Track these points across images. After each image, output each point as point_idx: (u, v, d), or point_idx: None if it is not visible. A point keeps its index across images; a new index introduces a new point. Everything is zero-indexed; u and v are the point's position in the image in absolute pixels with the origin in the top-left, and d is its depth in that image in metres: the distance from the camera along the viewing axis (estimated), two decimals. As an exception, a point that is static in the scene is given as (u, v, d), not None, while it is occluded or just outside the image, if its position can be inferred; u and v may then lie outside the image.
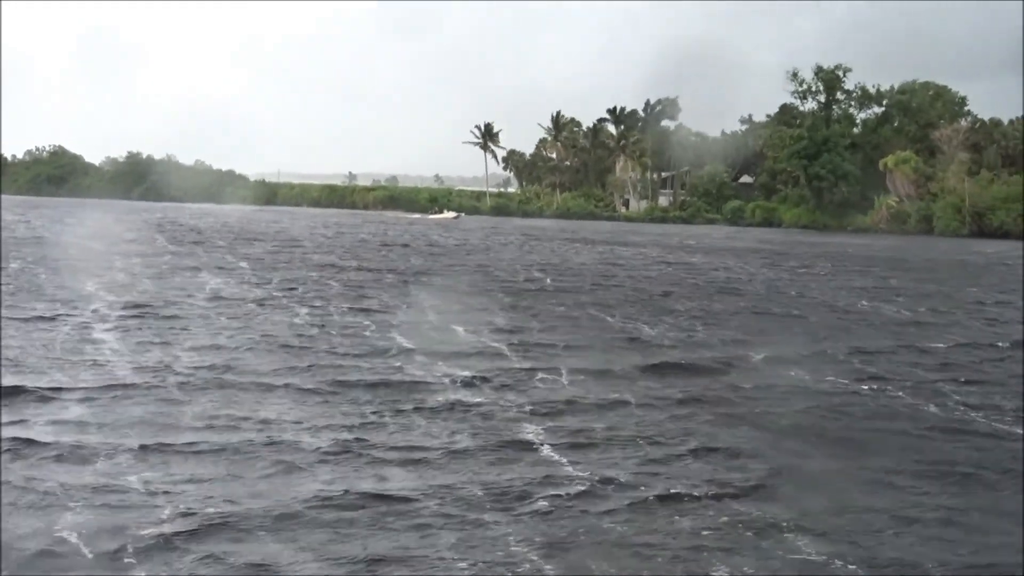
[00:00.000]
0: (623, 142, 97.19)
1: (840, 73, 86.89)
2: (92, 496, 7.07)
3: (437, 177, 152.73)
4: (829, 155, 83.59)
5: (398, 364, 12.17)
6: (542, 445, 8.45)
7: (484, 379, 11.45)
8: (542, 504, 7.15)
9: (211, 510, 6.79)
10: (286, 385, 10.73)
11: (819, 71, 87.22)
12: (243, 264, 25.87)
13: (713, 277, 29.05)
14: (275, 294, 18.31)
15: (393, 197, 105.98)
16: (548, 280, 25.38)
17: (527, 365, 12.55)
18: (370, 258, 29.74)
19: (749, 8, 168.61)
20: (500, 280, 25.33)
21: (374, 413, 9.68)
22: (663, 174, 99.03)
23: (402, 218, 76.79)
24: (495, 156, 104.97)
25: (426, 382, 11.28)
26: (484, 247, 40.10)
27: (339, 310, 17.01)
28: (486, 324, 16.12)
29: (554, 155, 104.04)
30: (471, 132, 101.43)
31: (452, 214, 77.57)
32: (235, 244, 35.04)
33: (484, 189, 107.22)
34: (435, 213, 79.89)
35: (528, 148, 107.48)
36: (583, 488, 7.50)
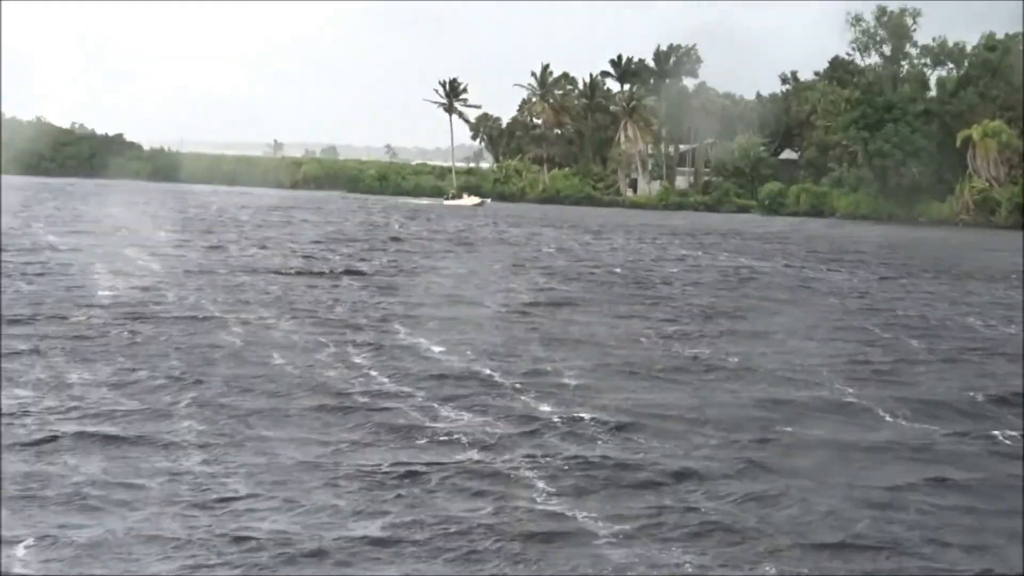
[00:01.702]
0: (630, 104, 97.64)
1: (910, 18, 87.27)
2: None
3: (388, 148, 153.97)
4: (895, 125, 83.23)
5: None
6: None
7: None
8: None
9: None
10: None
11: (881, 15, 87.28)
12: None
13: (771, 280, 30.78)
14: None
15: (330, 173, 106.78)
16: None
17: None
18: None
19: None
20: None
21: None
22: (681, 147, 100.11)
23: (401, 205, 77.26)
24: (465, 120, 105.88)
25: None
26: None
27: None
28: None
29: (540, 121, 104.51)
30: (433, 91, 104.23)
31: (474, 200, 78.95)
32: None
33: (448, 164, 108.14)
34: (452, 199, 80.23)
35: (506, 113, 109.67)
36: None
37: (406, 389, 14.35)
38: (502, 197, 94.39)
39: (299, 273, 28.50)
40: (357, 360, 16.38)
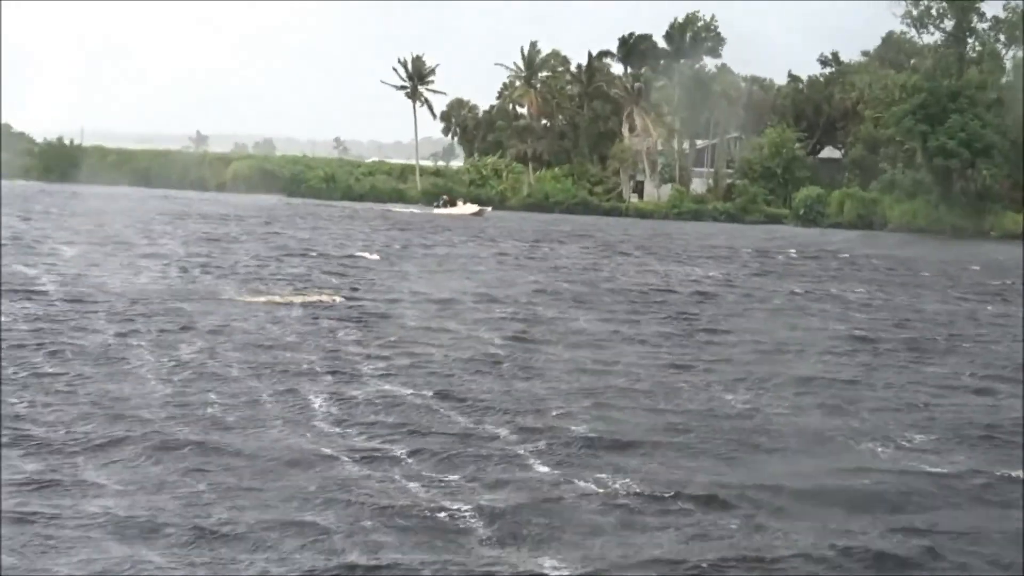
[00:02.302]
0: (636, 89, 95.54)
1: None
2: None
3: (338, 142, 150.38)
4: (961, 117, 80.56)
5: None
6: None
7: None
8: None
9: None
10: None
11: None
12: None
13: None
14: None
15: (267, 172, 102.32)
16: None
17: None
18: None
19: None
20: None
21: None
22: (698, 143, 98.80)
23: (367, 212, 74.16)
24: (431, 110, 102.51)
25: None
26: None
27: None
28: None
29: (525, 110, 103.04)
30: (392, 71, 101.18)
31: (472, 207, 77.35)
32: None
33: (412, 162, 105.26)
34: (443, 206, 78.51)
35: (484, 100, 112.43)
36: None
37: None
38: (478, 202, 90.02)
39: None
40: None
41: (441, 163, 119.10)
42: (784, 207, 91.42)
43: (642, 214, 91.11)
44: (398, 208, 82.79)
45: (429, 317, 22.23)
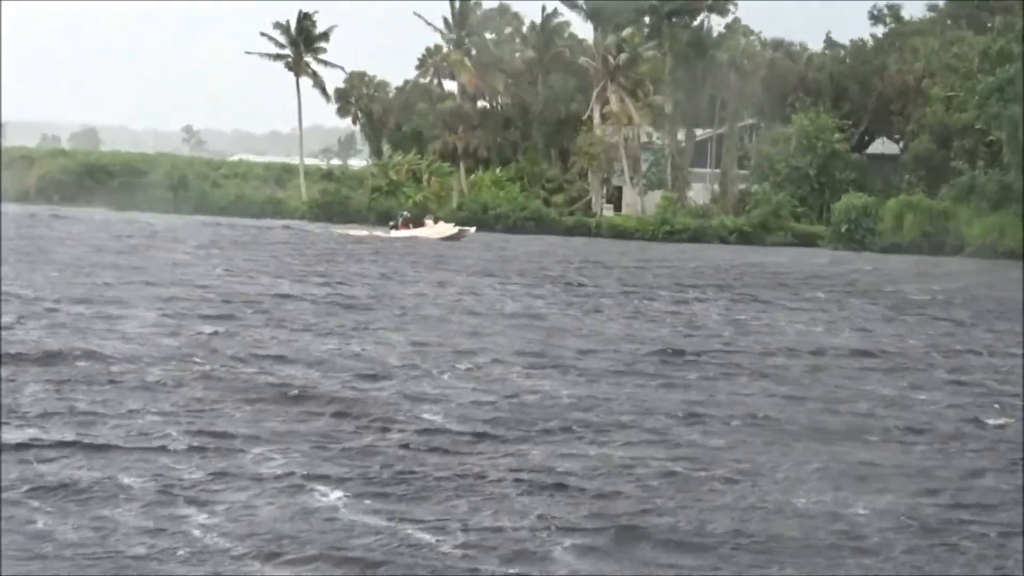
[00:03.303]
0: (616, 58, 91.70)
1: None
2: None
3: (189, 133, 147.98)
4: None
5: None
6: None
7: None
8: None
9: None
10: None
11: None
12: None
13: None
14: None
15: (90, 172, 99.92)
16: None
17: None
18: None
19: None
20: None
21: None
22: (698, 133, 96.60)
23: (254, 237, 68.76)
24: (321, 88, 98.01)
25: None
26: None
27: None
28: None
29: (456, 86, 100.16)
30: (264, 37, 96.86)
31: (447, 229, 76.14)
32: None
33: (294, 160, 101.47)
34: (401, 226, 76.75)
35: (397, 74, 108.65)
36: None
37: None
38: (385, 217, 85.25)
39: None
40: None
41: (336, 161, 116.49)
42: (820, 223, 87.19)
43: (619, 233, 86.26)
44: (317, 229, 78.69)
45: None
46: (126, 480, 14.08)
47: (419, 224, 76.98)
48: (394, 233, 74.58)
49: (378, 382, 21.67)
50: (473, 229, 77.58)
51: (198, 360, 22.44)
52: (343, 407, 19.00)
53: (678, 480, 15.87)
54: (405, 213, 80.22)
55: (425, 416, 18.92)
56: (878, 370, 25.68)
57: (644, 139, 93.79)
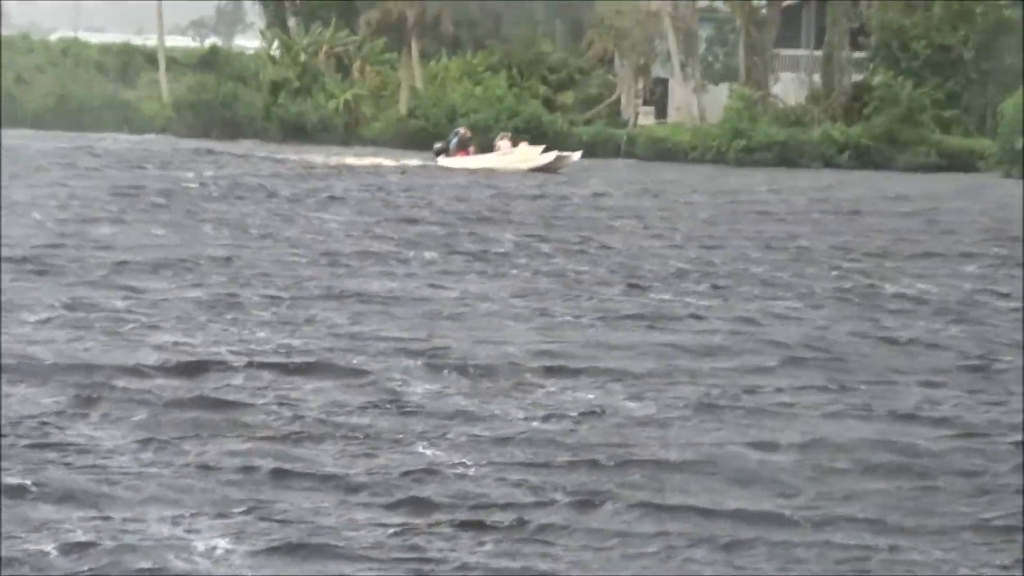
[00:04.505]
0: None
1: None
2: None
3: None
4: None
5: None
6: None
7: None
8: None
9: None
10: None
11: None
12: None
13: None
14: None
15: None
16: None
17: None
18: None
19: None
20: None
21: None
22: None
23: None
24: None
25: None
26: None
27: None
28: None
29: None
30: None
31: (540, 157, 62.23)
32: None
33: (149, 41, 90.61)
34: (456, 151, 64.12)
35: None
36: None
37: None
38: (300, 131, 73.20)
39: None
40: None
41: (214, 41, 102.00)
42: (979, 133, 72.06)
43: (663, 152, 69.76)
44: (293, 156, 59.89)
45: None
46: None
47: (490, 149, 63.17)
48: (446, 162, 61.00)
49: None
50: (577, 155, 63.20)
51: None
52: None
53: None
54: (462, 129, 65.97)
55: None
56: None
57: (703, 3, 75.91)
